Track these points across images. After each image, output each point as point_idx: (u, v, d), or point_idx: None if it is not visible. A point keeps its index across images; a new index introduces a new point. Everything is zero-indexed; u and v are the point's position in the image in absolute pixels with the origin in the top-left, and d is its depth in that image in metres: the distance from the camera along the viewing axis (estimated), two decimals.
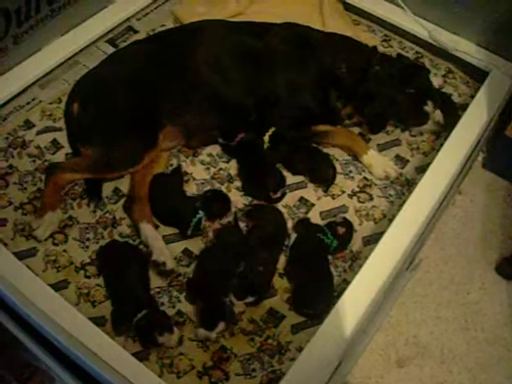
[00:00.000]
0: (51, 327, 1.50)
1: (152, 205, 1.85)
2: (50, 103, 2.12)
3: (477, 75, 2.25)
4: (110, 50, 2.28)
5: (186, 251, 1.79)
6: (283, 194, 1.92)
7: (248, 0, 2.40)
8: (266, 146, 1.99)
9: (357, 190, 1.96)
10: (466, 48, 2.27)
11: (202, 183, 1.96)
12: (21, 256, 1.72)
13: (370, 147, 2.02)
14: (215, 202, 1.83)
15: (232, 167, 2.00)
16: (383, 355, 2.04)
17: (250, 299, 1.66)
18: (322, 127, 2.03)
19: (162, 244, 1.76)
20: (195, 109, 1.95)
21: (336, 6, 2.43)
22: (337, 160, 2.02)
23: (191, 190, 1.93)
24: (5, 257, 1.65)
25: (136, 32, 2.39)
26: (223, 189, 1.94)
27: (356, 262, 1.79)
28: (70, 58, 2.23)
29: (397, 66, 2.01)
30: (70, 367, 1.61)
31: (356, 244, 1.83)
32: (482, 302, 2.18)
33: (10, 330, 1.72)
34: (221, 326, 1.60)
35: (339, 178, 1.97)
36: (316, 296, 1.68)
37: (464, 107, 2.09)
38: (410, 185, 1.97)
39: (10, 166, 1.94)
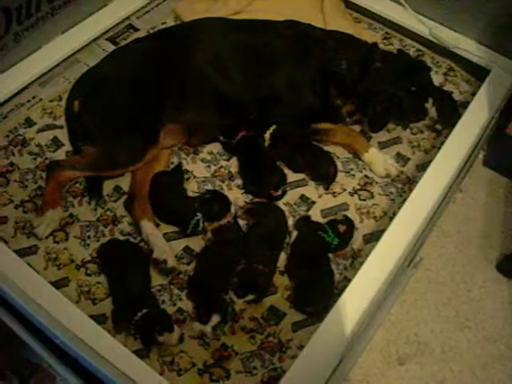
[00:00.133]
0: (52, 325, 1.50)
1: (152, 203, 1.85)
2: (51, 101, 2.12)
3: (478, 73, 2.25)
4: (111, 47, 2.28)
5: (186, 249, 1.80)
6: (284, 192, 1.92)
7: None
8: (266, 143, 1.99)
9: (358, 187, 1.96)
10: (467, 46, 2.27)
11: (203, 181, 1.96)
12: (22, 254, 1.73)
13: (371, 145, 2.02)
14: (214, 204, 1.82)
15: (233, 165, 2.00)
16: (384, 353, 2.04)
17: (250, 297, 1.66)
18: (322, 125, 2.03)
19: (162, 242, 1.77)
20: (196, 106, 1.95)
21: (337, 4, 2.43)
22: (338, 158, 2.02)
23: (192, 187, 1.94)
24: (6, 254, 1.66)
25: (136, 30, 2.39)
26: (224, 186, 1.94)
27: (357, 259, 1.79)
28: (70, 56, 2.23)
29: (398, 63, 2.01)
30: (71, 365, 1.62)
31: (357, 242, 1.83)
32: (482, 300, 2.17)
33: (10, 328, 1.72)
34: (215, 319, 1.59)
35: (340, 176, 1.97)
36: (317, 294, 1.68)
37: (465, 105, 2.09)
38: (410, 183, 1.97)
39: (11, 164, 1.94)
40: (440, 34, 2.29)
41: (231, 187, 1.94)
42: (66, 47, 2.21)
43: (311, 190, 1.95)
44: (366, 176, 1.99)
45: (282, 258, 1.78)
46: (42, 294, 1.56)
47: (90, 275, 1.73)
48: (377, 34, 2.43)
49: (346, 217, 1.84)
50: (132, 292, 1.64)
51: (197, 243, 1.80)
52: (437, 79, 2.23)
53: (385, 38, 2.42)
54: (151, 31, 2.36)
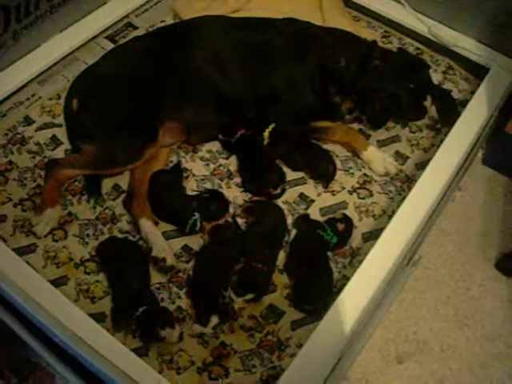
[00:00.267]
0: (51, 323, 1.50)
1: (151, 202, 1.85)
2: (50, 99, 2.12)
3: (477, 71, 2.25)
4: (110, 46, 2.28)
5: (185, 247, 1.79)
6: (283, 190, 1.92)
7: None
8: (265, 142, 1.98)
9: (357, 186, 1.96)
10: (466, 44, 2.27)
11: (202, 179, 1.96)
12: (20, 252, 1.73)
13: (370, 143, 2.02)
14: (211, 204, 1.82)
15: (232, 163, 2.00)
16: (383, 351, 2.04)
17: (249, 296, 1.66)
18: (321, 123, 2.03)
19: (161, 240, 1.76)
20: (195, 105, 1.95)
21: (336, 2, 2.43)
22: (337, 156, 2.02)
23: (191, 186, 1.93)
24: (4, 253, 1.65)
25: (135, 28, 2.39)
26: (223, 185, 1.94)
27: (356, 258, 1.79)
28: (69, 54, 2.23)
29: (397, 61, 2.01)
30: (70, 363, 1.62)
31: (356, 240, 1.83)
32: (481, 298, 2.18)
33: (9, 326, 1.72)
34: (214, 320, 1.59)
35: (339, 175, 1.97)
36: (316, 292, 1.68)
37: (464, 103, 2.09)
38: (409, 181, 1.97)
39: (10, 162, 1.94)
40: (439, 32, 2.29)
41: (230, 185, 1.94)
42: (65, 45, 2.20)
43: (310, 188, 1.95)
44: (364, 174, 1.99)
45: (281, 256, 1.78)
46: (41, 292, 1.56)
47: (88, 274, 1.72)
48: (376, 33, 2.43)
49: (344, 215, 1.84)
50: (131, 290, 1.64)
51: (196, 242, 1.80)
52: (436, 77, 2.23)
53: (384, 37, 2.42)
54: (150, 29, 2.36)
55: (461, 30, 2.29)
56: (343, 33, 2.09)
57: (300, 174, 1.98)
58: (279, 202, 1.90)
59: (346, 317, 1.54)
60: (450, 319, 2.12)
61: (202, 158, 2.01)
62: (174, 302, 1.68)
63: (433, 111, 2.03)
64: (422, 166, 1.98)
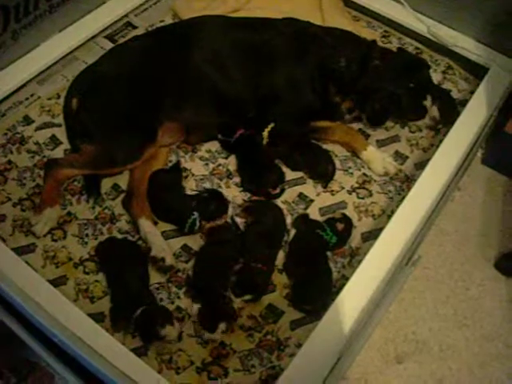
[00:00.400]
0: (50, 323, 1.50)
1: (150, 201, 1.85)
2: (49, 99, 2.12)
3: (476, 71, 2.25)
4: (109, 45, 2.28)
5: (185, 247, 1.79)
6: (282, 190, 1.92)
7: None
8: (265, 141, 1.98)
9: (356, 186, 1.96)
10: (466, 44, 2.27)
11: (201, 179, 1.95)
12: (20, 252, 1.73)
13: (370, 143, 2.02)
14: (210, 203, 1.82)
15: (231, 163, 2.00)
16: (382, 351, 2.04)
17: (248, 297, 1.66)
18: (321, 123, 2.03)
19: (160, 240, 1.76)
20: (195, 105, 1.95)
21: (336, 2, 2.43)
22: (336, 156, 2.02)
23: (190, 185, 1.93)
24: (4, 253, 1.65)
25: (135, 28, 2.39)
26: (222, 185, 1.94)
27: (355, 257, 1.79)
28: (68, 54, 2.23)
29: (397, 61, 2.01)
30: (69, 363, 1.62)
31: (355, 240, 1.83)
32: (480, 298, 2.17)
33: (9, 326, 1.71)
34: (222, 326, 1.59)
35: (338, 174, 1.97)
36: (315, 292, 1.68)
37: (463, 103, 2.09)
38: (409, 181, 1.97)
39: (9, 162, 1.94)
40: (438, 32, 2.29)
41: (229, 185, 1.94)
42: (64, 45, 2.20)
43: (309, 188, 1.95)
44: (364, 174, 1.99)
45: (281, 256, 1.78)
46: (40, 292, 1.56)
47: (88, 273, 1.72)
48: (375, 33, 2.43)
49: (344, 215, 1.84)
50: (130, 290, 1.64)
51: (195, 241, 1.80)
52: (435, 77, 2.22)
53: (383, 37, 2.42)
54: (149, 29, 2.36)
55: (460, 30, 2.29)
56: (343, 32, 2.09)
57: (299, 174, 1.97)
58: (278, 201, 1.90)
59: (345, 317, 1.54)
60: (449, 319, 2.12)
61: (201, 158, 2.01)
62: (173, 302, 1.68)
63: (433, 111, 2.03)
64: (421, 165, 1.98)
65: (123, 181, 1.92)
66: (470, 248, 2.29)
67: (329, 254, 1.78)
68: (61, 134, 2.02)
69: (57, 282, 1.68)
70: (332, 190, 1.95)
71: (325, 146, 2.03)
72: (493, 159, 2.47)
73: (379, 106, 1.95)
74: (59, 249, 1.77)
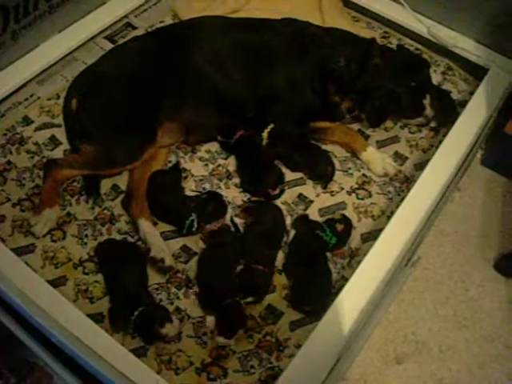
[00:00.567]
0: (49, 324, 1.50)
1: (149, 202, 1.85)
2: (49, 99, 2.12)
3: (476, 72, 2.25)
4: (109, 46, 2.28)
5: (184, 248, 1.79)
6: (282, 191, 1.92)
7: None
8: (264, 142, 1.98)
9: (355, 186, 1.96)
10: (466, 45, 2.27)
11: (201, 180, 1.95)
12: (19, 252, 1.72)
13: (369, 144, 2.02)
14: (208, 205, 1.82)
15: (230, 164, 2.00)
16: (382, 352, 2.04)
17: (250, 299, 1.66)
18: (321, 124, 2.03)
19: (160, 240, 1.76)
20: (194, 105, 1.94)
21: (335, 3, 2.43)
22: (335, 157, 2.02)
23: (190, 186, 1.93)
24: (3, 253, 1.65)
25: (135, 28, 2.39)
26: (222, 185, 1.94)
27: (354, 258, 1.79)
28: (68, 55, 2.22)
29: (397, 59, 2.01)
30: (68, 364, 1.61)
31: (354, 241, 1.83)
32: (480, 299, 2.18)
33: (8, 327, 1.71)
34: (240, 332, 1.59)
35: (338, 175, 1.97)
36: (314, 293, 1.67)
37: (463, 104, 2.08)
38: (408, 182, 1.97)
39: (9, 163, 1.94)
40: (438, 32, 2.29)
41: (229, 186, 1.94)
42: (64, 45, 2.20)
43: (309, 188, 1.95)
44: (363, 175, 1.99)
45: (280, 256, 1.78)
46: (40, 292, 1.56)
47: (87, 274, 1.72)
48: (375, 33, 2.42)
49: (343, 216, 1.84)
50: (129, 291, 1.64)
51: (194, 242, 1.80)
52: (435, 78, 2.22)
53: (383, 37, 2.42)
54: (149, 29, 2.35)
55: (460, 31, 2.29)
56: (342, 32, 2.08)
57: (299, 175, 1.97)
58: (278, 202, 1.90)
59: (344, 317, 1.54)
60: (448, 320, 2.12)
61: (200, 159, 2.01)
62: (172, 303, 1.68)
63: (428, 110, 2.03)
64: (421, 166, 1.98)
65: (123, 181, 1.92)
66: (470, 249, 2.29)
67: (328, 254, 1.78)
68: (60, 134, 2.01)
69: (56, 283, 1.68)
70: (331, 191, 1.94)
71: (324, 147, 2.03)
72: (492, 160, 2.47)
73: (379, 103, 1.95)
74: (59, 249, 1.76)
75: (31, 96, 2.12)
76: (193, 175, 1.97)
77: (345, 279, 1.71)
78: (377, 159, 1.98)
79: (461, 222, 2.36)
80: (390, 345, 2.06)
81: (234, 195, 1.91)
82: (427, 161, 1.90)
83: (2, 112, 2.06)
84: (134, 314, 1.57)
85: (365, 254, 1.67)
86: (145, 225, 1.78)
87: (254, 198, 1.91)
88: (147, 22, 2.41)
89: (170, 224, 1.83)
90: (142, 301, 1.61)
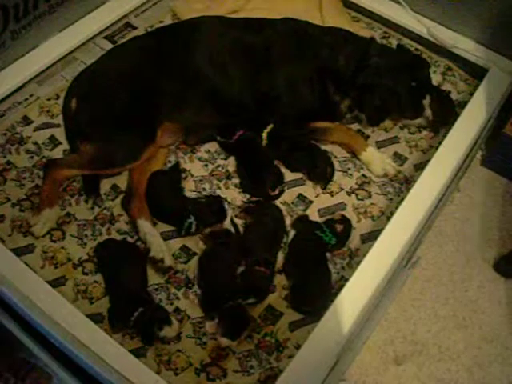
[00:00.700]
0: (48, 324, 1.50)
1: (149, 202, 1.85)
2: (48, 99, 2.12)
3: (476, 72, 2.25)
4: (108, 46, 2.28)
5: (183, 248, 1.79)
6: (281, 191, 1.92)
7: None
8: (264, 142, 1.98)
9: (355, 187, 1.96)
10: (465, 45, 2.27)
11: (200, 180, 1.95)
12: (18, 252, 1.72)
13: (369, 144, 2.02)
14: (207, 211, 1.80)
15: (230, 164, 2.00)
16: (381, 353, 2.03)
17: (252, 300, 1.66)
18: (320, 124, 2.02)
19: (159, 241, 1.76)
20: (194, 105, 1.95)
21: (335, 3, 2.43)
22: (335, 157, 2.02)
23: (189, 186, 1.93)
24: (2, 253, 1.65)
25: (134, 28, 2.39)
26: (221, 186, 1.94)
27: (354, 259, 1.79)
28: (68, 55, 2.23)
29: (396, 58, 2.01)
30: (67, 364, 1.61)
31: (354, 241, 1.83)
32: (480, 299, 2.17)
33: (7, 327, 1.71)
34: (245, 333, 1.59)
35: (337, 176, 1.97)
36: (314, 293, 1.68)
37: (463, 105, 2.09)
38: (408, 182, 1.97)
39: (8, 163, 1.94)
40: (438, 33, 2.29)
41: (228, 186, 1.94)
42: (64, 45, 2.21)
43: (309, 189, 1.95)
44: (363, 175, 1.99)
45: (280, 257, 1.78)
46: (39, 293, 1.56)
47: (86, 274, 1.72)
48: (375, 34, 2.43)
49: (343, 216, 1.84)
50: (129, 291, 1.64)
51: (194, 242, 1.80)
52: (435, 78, 2.22)
53: (383, 37, 2.42)
54: (149, 29, 2.36)
55: (460, 31, 2.30)
56: (341, 31, 2.08)
57: (298, 175, 1.97)
58: (278, 202, 1.90)
59: (344, 318, 1.54)
60: (448, 320, 2.12)
61: (200, 159, 2.01)
62: (172, 303, 1.68)
63: (427, 111, 2.03)
64: (420, 167, 1.98)
65: (122, 181, 1.92)
66: (470, 249, 2.28)
67: (328, 255, 1.78)
68: (60, 134, 2.02)
69: (56, 283, 1.68)
70: (331, 192, 1.94)
71: (324, 147, 2.03)
72: (492, 161, 2.47)
73: (379, 102, 1.95)
74: (58, 249, 1.76)
75: (31, 96, 2.12)
76: (192, 175, 1.97)
77: (344, 279, 1.71)
78: (376, 159, 1.98)
79: (461, 222, 2.35)
80: (390, 345, 2.05)
81: (233, 195, 1.91)
82: (427, 161, 1.90)
83: (1, 112, 2.07)
84: (133, 315, 1.56)
85: (364, 255, 1.67)
86: (144, 225, 1.78)
87: (253, 199, 1.91)
88: (147, 22, 2.42)
89: (169, 224, 1.83)
90: (142, 301, 1.61)
